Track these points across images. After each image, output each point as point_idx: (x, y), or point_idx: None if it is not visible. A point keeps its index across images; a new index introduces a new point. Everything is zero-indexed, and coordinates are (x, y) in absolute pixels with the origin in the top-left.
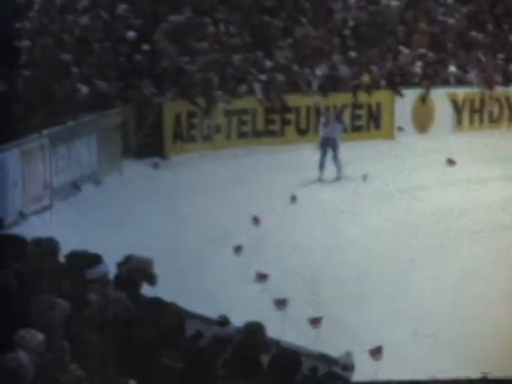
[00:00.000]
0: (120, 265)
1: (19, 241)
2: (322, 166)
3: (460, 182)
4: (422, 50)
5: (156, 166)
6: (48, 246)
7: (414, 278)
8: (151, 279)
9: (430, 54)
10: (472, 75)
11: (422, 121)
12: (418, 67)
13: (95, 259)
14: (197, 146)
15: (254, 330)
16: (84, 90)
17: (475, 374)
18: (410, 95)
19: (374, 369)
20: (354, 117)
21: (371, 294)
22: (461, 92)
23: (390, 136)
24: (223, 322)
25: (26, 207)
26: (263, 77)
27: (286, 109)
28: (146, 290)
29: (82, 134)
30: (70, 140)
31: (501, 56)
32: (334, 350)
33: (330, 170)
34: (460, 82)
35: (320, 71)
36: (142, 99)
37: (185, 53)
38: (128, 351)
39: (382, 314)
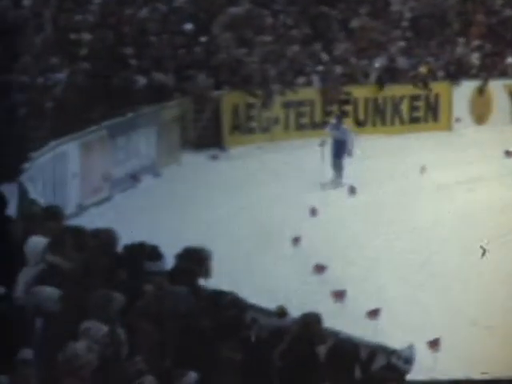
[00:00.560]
0: (179, 256)
1: (78, 231)
2: (336, 168)
3: None
4: (479, 42)
5: (214, 157)
6: (106, 238)
7: (472, 269)
8: (207, 272)
9: (488, 46)
10: None
11: (480, 112)
12: (475, 59)
13: (154, 251)
14: (255, 137)
15: (311, 321)
16: (142, 81)
17: None
18: (468, 87)
19: (432, 360)
20: (412, 108)
21: (430, 286)
22: None
23: (448, 128)
24: (281, 313)
25: (85, 199)
26: (321, 68)
27: (343, 100)
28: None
29: (141, 125)
30: (129, 132)
31: None
32: (391, 342)
33: (388, 163)
34: None
35: (378, 63)
36: (199, 91)
37: (243, 45)
38: (188, 343)
39: (439, 306)
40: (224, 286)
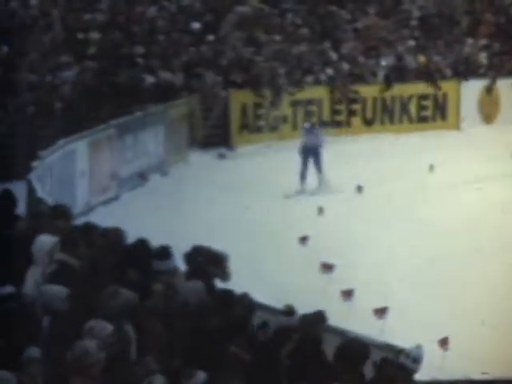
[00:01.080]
0: (189, 255)
1: (89, 228)
2: (303, 176)
3: None
4: (487, 41)
5: (222, 156)
6: (114, 236)
7: (479, 268)
8: (224, 274)
9: (496, 45)
10: None
11: (488, 111)
12: (483, 58)
13: (163, 250)
14: (263, 136)
15: (316, 320)
16: (150, 80)
17: None
18: (476, 86)
19: (440, 359)
20: (421, 107)
21: (437, 284)
22: None
23: (456, 127)
24: (289, 312)
25: (93, 197)
26: (329, 67)
27: (351, 99)
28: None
29: (149, 124)
30: (137, 131)
31: None
32: (399, 341)
33: (396, 162)
34: None
35: (385, 61)
36: (207, 90)
37: (251, 43)
38: (197, 342)
39: (447, 304)
40: (231, 284)
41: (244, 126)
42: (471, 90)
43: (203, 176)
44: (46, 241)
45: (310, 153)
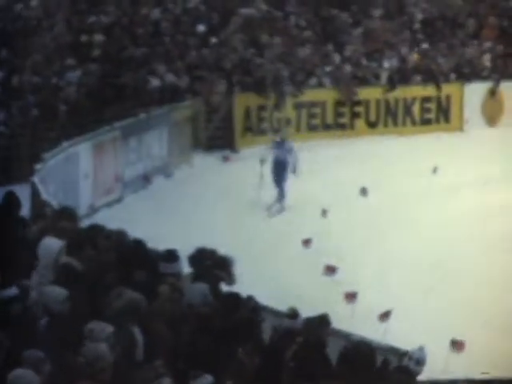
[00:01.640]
0: (193, 257)
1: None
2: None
3: None
4: (491, 43)
5: (226, 158)
6: (118, 239)
7: (484, 269)
8: (231, 279)
9: (499, 47)
10: None
11: (491, 114)
12: (486, 60)
13: (170, 253)
14: (267, 138)
15: (320, 324)
16: (154, 82)
17: None
18: (480, 88)
19: (445, 361)
20: (424, 110)
21: (441, 287)
22: None
23: (460, 129)
24: (293, 314)
25: (97, 200)
26: (332, 69)
27: (355, 101)
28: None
29: (152, 126)
30: (140, 133)
31: None
32: (403, 343)
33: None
34: None
35: (388, 64)
36: (211, 92)
37: (255, 46)
38: (203, 344)
39: (451, 307)
40: (235, 287)
41: (248, 129)
42: (475, 93)
43: (207, 178)
44: (52, 244)
45: (280, 168)
